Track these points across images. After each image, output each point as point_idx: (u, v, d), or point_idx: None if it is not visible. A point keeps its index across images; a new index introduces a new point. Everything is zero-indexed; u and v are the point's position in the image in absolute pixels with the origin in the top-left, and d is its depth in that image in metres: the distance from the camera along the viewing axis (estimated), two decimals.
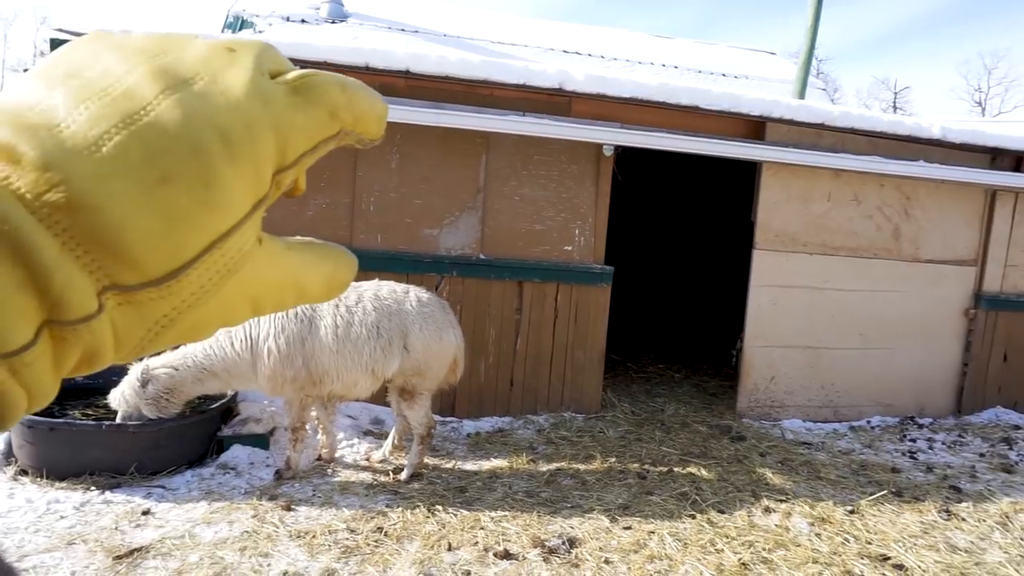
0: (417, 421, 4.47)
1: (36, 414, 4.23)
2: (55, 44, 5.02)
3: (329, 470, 4.57)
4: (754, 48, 14.94)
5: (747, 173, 6.61)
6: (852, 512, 4.46)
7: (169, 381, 4.12)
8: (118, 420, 4.16)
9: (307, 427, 4.48)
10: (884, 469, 5.35)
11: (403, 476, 4.48)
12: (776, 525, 4.21)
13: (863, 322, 6.62)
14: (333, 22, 10.57)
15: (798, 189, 6.30)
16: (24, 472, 4.13)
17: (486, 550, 3.66)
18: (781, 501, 4.55)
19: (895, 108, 44.76)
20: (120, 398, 4.15)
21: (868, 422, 6.61)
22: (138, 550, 3.41)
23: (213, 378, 4.21)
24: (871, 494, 4.77)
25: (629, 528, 4.02)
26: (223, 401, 4.64)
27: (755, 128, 6.19)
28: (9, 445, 4.30)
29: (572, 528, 3.96)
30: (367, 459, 4.78)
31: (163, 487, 4.13)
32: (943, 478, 5.25)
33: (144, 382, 4.09)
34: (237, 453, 4.56)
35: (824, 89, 15.33)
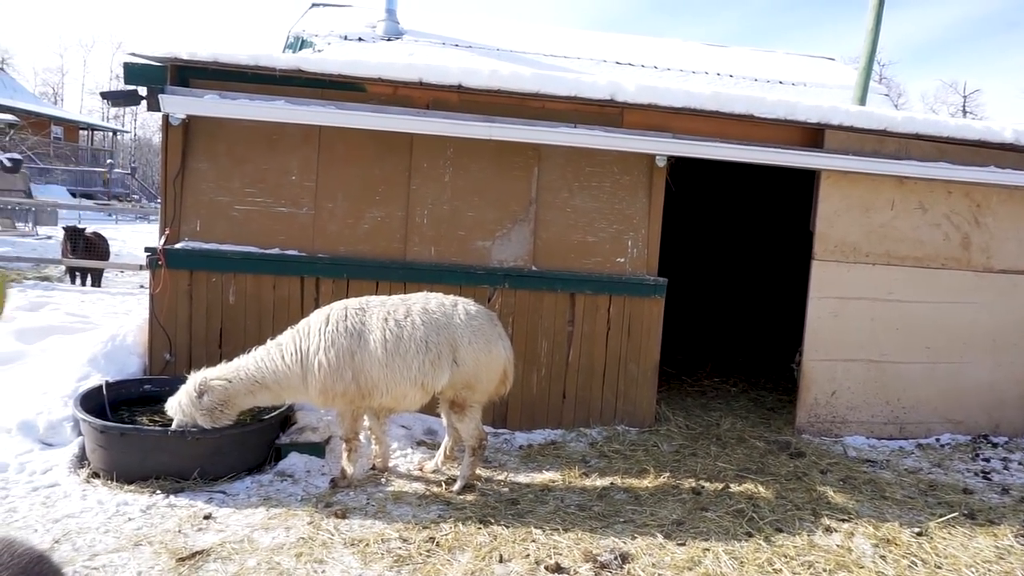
0: (468, 434, 4.49)
1: (108, 419, 4.44)
2: (129, 68, 5.29)
3: (383, 479, 4.64)
4: (812, 54, 14.60)
5: (805, 182, 6.45)
6: (920, 534, 4.27)
7: (223, 393, 4.24)
8: (173, 428, 4.31)
9: (360, 437, 4.56)
10: (955, 490, 5.10)
11: (455, 487, 4.50)
12: (838, 545, 4.06)
13: (930, 335, 6.35)
14: (389, 40, 10.82)
15: (859, 198, 6.10)
16: (96, 475, 4.33)
17: (537, 563, 3.64)
18: (843, 521, 4.39)
19: (964, 112, 42.95)
20: (176, 407, 4.28)
21: (937, 440, 6.32)
22: (200, 553, 3.53)
23: (265, 390, 4.32)
24: (941, 516, 4.56)
25: (683, 545, 3.94)
26: (281, 410, 4.76)
27: (813, 136, 6.04)
28: (83, 449, 4.52)
29: (624, 543, 3.91)
30: (420, 469, 4.82)
31: (224, 492, 4.26)
32: (1020, 500, 4.97)
33: (200, 393, 4.22)
34: (294, 461, 4.68)
35: (887, 95, 14.83)
